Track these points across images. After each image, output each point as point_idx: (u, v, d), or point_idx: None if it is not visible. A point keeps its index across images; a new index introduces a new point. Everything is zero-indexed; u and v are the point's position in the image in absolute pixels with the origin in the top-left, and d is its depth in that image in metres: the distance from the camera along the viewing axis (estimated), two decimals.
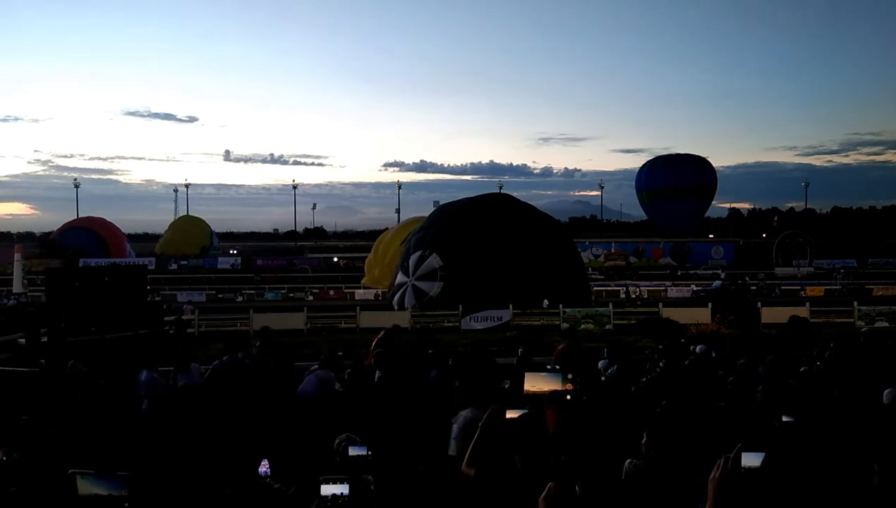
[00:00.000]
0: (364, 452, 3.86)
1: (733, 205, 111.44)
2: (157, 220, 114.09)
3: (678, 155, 67.87)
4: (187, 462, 4.29)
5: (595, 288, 32.12)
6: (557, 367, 4.30)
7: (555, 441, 3.45)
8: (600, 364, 8.69)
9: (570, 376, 4.03)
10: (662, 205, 64.16)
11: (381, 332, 11.00)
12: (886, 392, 5.65)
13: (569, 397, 3.89)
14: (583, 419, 4.14)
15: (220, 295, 36.94)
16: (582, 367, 8.64)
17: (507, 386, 7.37)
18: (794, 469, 2.74)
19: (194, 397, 7.87)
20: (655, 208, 65.83)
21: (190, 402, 7.56)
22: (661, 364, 8.42)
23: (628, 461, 3.89)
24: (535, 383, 3.97)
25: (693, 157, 66.49)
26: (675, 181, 62.69)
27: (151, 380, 8.40)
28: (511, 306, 23.03)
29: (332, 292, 37.36)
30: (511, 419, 3.78)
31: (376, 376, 8.16)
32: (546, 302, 23.77)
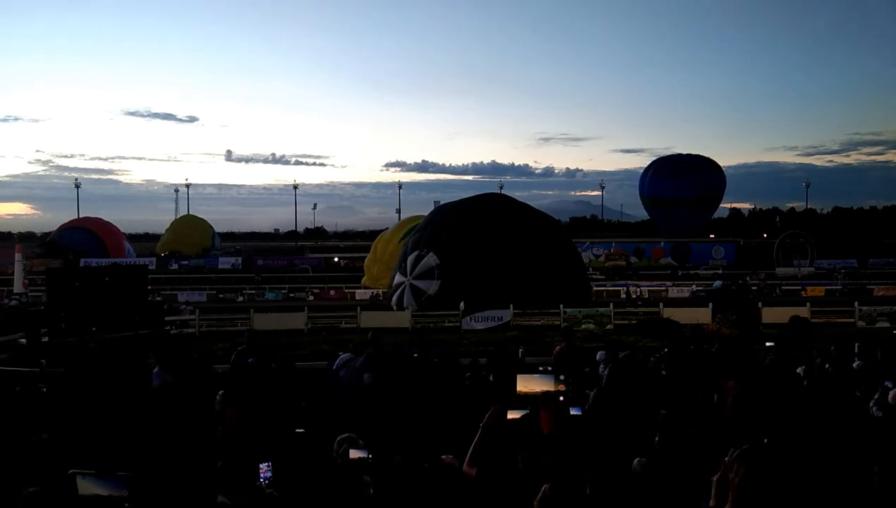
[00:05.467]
0: (364, 455, 3.86)
1: (734, 205, 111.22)
2: (158, 220, 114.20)
3: (681, 156, 65.32)
4: (191, 464, 4.28)
5: (595, 288, 32.10)
6: (549, 368, 4.30)
7: (550, 443, 3.45)
8: (600, 366, 8.69)
9: (561, 377, 4.02)
10: (664, 211, 62.51)
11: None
12: (892, 393, 5.62)
13: (561, 398, 3.89)
14: (578, 420, 4.14)
15: (220, 295, 36.93)
16: (580, 368, 8.65)
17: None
18: (796, 469, 2.74)
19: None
20: (657, 214, 64.33)
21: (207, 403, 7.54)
22: (662, 364, 8.42)
23: (636, 460, 3.89)
24: (528, 384, 3.96)
25: (698, 162, 63.12)
26: (676, 191, 59.95)
27: (162, 380, 8.40)
28: (511, 306, 23.02)
29: (332, 292, 37.36)
30: (512, 419, 3.79)
31: (365, 378, 8.14)
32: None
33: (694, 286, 35.67)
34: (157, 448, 5.18)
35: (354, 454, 3.89)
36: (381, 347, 9.75)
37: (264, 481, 3.56)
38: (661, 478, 3.69)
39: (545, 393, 3.88)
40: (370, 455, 3.87)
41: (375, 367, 8.34)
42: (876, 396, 5.72)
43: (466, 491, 3.43)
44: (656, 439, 4.06)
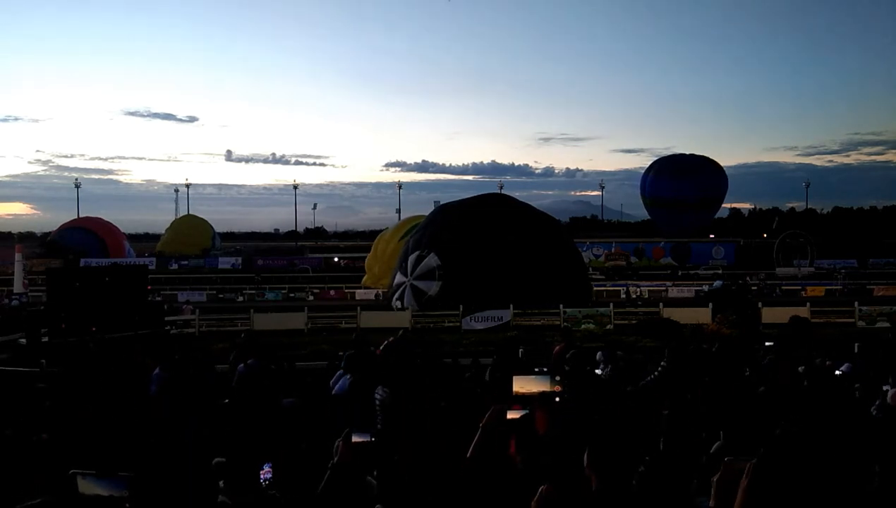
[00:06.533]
0: (368, 438, 3.86)
1: (734, 205, 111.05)
2: (158, 220, 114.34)
3: (684, 156, 64.53)
4: (191, 464, 4.29)
5: (595, 288, 32.12)
6: (545, 369, 4.31)
7: (546, 443, 3.46)
8: (599, 366, 8.68)
9: (557, 377, 4.04)
10: (665, 212, 62.13)
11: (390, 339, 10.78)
12: (892, 392, 5.62)
13: (557, 399, 3.90)
14: (574, 420, 4.15)
15: (220, 295, 36.95)
16: (577, 368, 8.62)
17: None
18: (792, 470, 2.75)
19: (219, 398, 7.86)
20: (658, 214, 63.99)
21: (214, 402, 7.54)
22: (661, 363, 8.40)
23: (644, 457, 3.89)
24: (524, 384, 3.98)
25: (700, 163, 62.36)
26: (678, 192, 59.37)
27: (161, 380, 8.39)
28: (511, 306, 23.03)
29: (332, 292, 37.38)
30: (512, 419, 3.79)
31: (348, 381, 8.08)
32: None
33: (705, 287, 35.59)
34: (157, 448, 5.18)
35: (357, 438, 3.89)
36: (363, 348, 9.72)
37: (265, 481, 3.56)
38: (660, 479, 3.69)
39: (541, 394, 3.90)
40: (373, 439, 3.87)
41: (354, 369, 8.28)
42: (877, 402, 5.71)
43: (466, 491, 3.43)
44: (661, 440, 4.07)
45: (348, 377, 8.02)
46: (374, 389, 7.12)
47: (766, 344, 9.48)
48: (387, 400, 6.73)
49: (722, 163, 64.50)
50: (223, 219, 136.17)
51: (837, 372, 7.62)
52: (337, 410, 7.42)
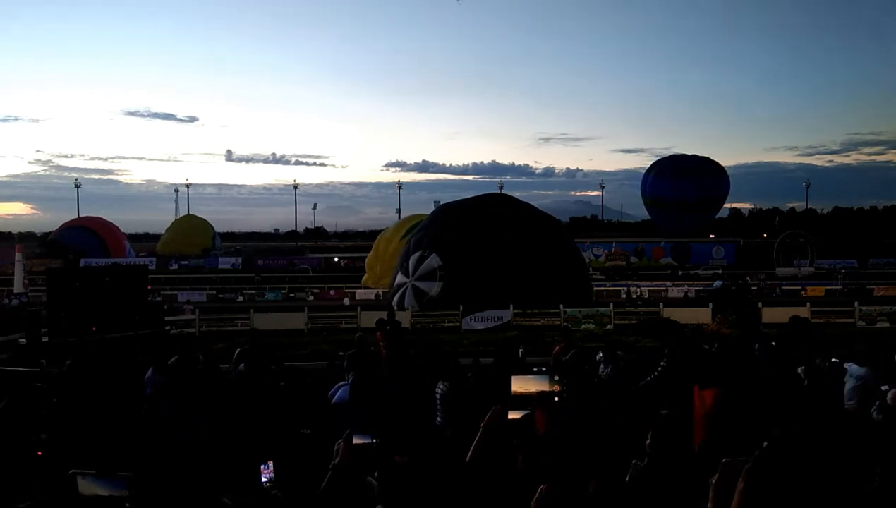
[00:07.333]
0: (369, 440, 3.85)
1: (734, 205, 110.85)
2: (159, 220, 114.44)
3: (685, 157, 64.04)
4: (191, 464, 4.29)
5: (595, 288, 32.12)
6: (544, 369, 4.31)
7: (546, 443, 3.46)
8: (599, 366, 8.68)
9: (556, 377, 4.04)
10: (666, 213, 61.80)
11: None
12: (892, 392, 5.62)
13: (556, 398, 3.89)
14: (574, 420, 4.15)
15: (220, 295, 36.94)
16: (577, 368, 8.64)
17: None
18: (791, 470, 2.75)
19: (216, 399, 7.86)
20: (658, 215, 63.75)
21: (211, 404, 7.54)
22: (661, 363, 8.40)
23: (633, 461, 3.89)
24: (523, 384, 3.98)
25: (702, 164, 61.93)
26: (679, 193, 59.00)
27: (156, 381, 8.37)
28: (511, 306, 23.02)
29: (332, 292, 37.37)
30: (513, 419, 3.79)
31: (349, 378, 8.10)
32: None
33: (687, 286, 35.71)
34: (157, 448, 5.18)
35: (358, 440, 3.89)
36: (365, 347, 9.76)
37: (267, 482, 3.56)
38: (657, 480, 3.69)
39: (539, 393, 3.90)
40: (374, 440, 3.86)
41: (358, 367, 8.32)
42: (877, 402, 5.71)
43: (467, 491, 3.43)
44: (648, 441, 4.05)
45: (347, 385, 8.03)
46: (373, 389, 7.13)
47: (772, 343, 9.46)
48: (448, 394, 6.78)
49: (722, 163, 64.42)
50: (223, 219, 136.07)
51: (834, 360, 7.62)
52: (337, 411, 7.43)
